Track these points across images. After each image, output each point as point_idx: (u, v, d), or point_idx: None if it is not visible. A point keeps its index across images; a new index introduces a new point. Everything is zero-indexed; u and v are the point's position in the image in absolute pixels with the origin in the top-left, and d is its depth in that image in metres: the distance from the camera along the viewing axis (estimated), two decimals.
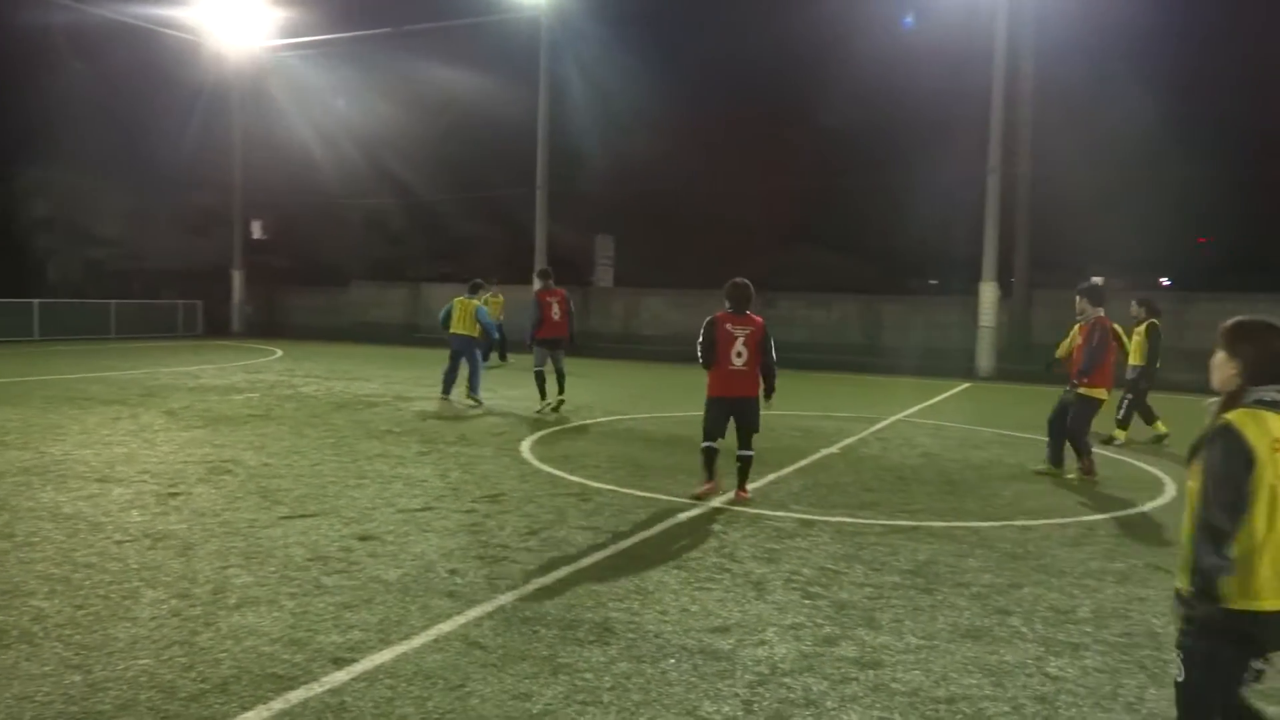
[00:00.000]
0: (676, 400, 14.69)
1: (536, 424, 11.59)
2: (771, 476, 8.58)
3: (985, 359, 21.44)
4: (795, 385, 18.03)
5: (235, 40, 31.25)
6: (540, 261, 28.01)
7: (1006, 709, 3.87)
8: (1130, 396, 11.36)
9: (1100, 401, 8.80)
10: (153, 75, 30.90)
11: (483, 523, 6.60)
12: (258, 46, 31.64)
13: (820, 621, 4.82)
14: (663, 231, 36.35)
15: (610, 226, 33.23)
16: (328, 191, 35.65)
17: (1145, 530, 6.94)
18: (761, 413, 7.59)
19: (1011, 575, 5.70)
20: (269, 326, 32.76)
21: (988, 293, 21.35)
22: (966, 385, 19.02)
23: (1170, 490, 8.46)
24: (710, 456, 7.55)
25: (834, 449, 10.27)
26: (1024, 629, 4.79)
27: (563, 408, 12.79)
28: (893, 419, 12.97)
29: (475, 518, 6.74)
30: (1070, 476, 8.86)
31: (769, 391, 7.57)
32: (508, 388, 15.64)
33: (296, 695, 3.79)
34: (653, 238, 35.05)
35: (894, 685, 4.07)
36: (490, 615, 4.75)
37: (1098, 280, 9.37)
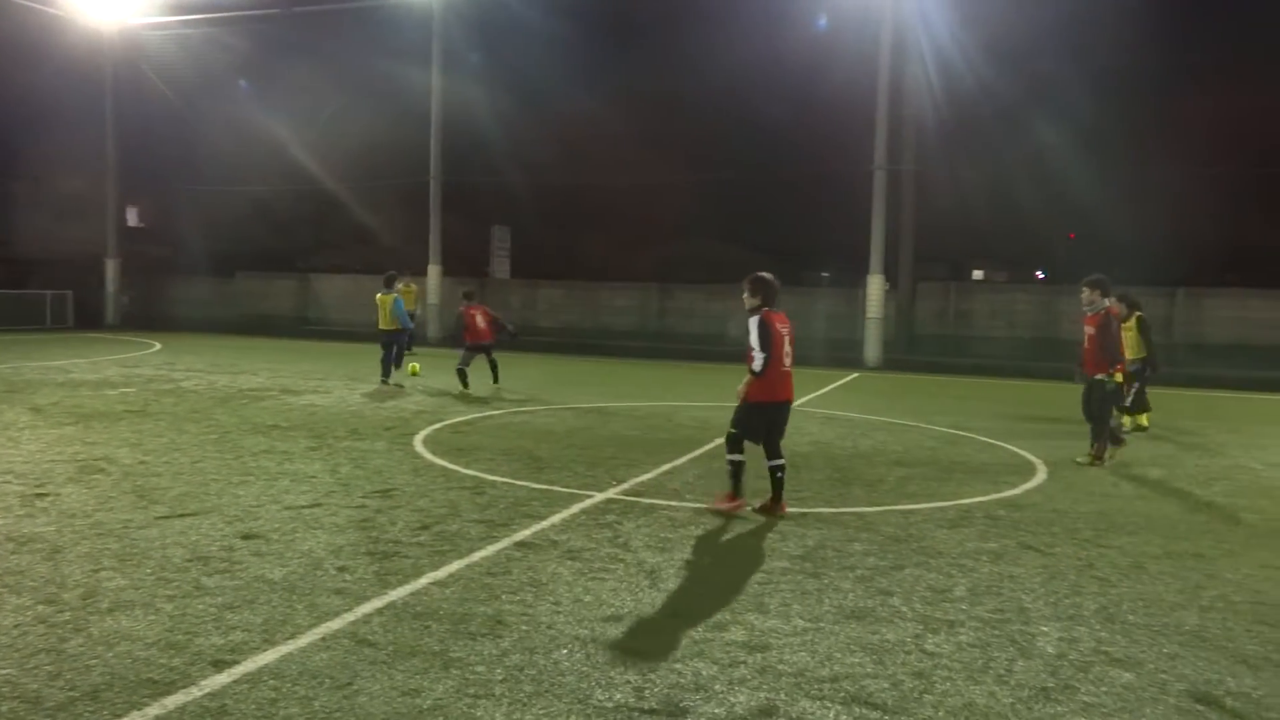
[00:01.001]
0: (572, 393, 14.71)
1: (431, 417, 11.42)
2: (666, 466, 8.68)
3: (873, 349, 22.15)
4: (693, 376, 18.27)
5: (108, 15, 29.62)
6: (435, 252, 27.56)
7: (886, 685, 4.03)
8: (1136, 385, 11.79)
9: (1121, 385, 9.52)
10: (18, 51, 29.04)
11: (373, 518, 6.48)
12: (133, 22, 30.07)
13: (711, 607, 4.91)
14: (559, 223, 36.25)
15: (508, 217, 32.94)
16: (211, 178, 34.21)
17: (1018, 512, 7.30)
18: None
19: (894, 558, 5.93)
20: (147, 318, 31.24)
21: (875, 285, 22.05)
22: (855, 375, 19.62)
23: (1041, 474, 8.92)
24: (742, 470, 6.96)
25: None
26: (904, 608, 5.00)
27: (454, 400, 12.73)
28: None
29: (366, 513, 6.61)
30: (1080, 460, 9.46)
31: None
32: (419, 378, 15.34)
33: (174, 700, 3.66)
34: (549, 229, 34.92)
35: (780, 666, 4.19)
36: (380, 612, 4.68)
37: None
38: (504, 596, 4.96)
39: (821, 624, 4.73)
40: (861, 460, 9.46)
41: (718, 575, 5.45)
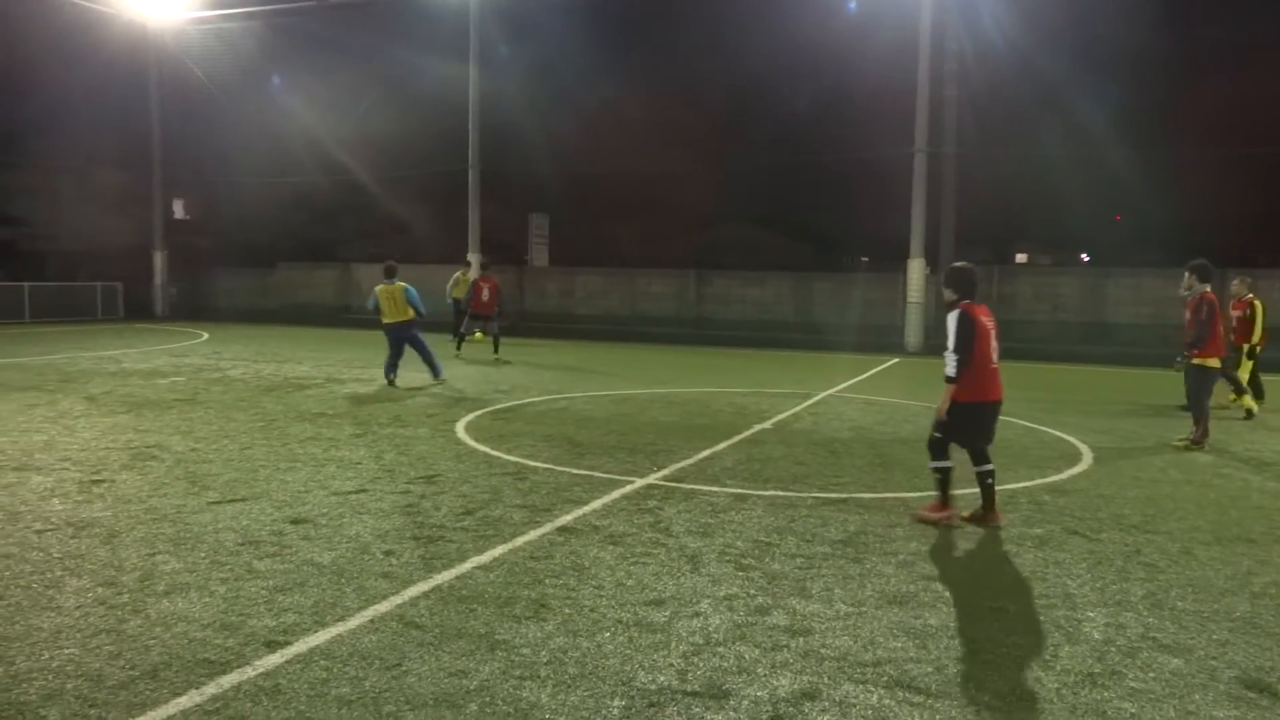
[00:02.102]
0: (611, 379, 14.76)
1: (472, 404, 11.53)
2: (706, 452, 8.70)
3: (914, 334, 21.93)
4: (730, 362, 18.25)
5: (151, 10, 30.12)
6: (474, 241, 27.75)
7: (930, 670, 4.03)
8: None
9: (1215, 370, 9.47)
10: (64, 47, 29.65)
11: (418, 503, 6.58)
12: (177, 17, 30.55)
13: (753, 592, 4.93)
14: (597, 210, 36.27)
15: (544, 205, 33.04)
16: (253, 170, 34.71)
17: (1063, 498, 7.22)
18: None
19: (936, 543, 5.90)
20: (193, 309, 31.85)
21: (915, 269, 21.81)
22: (896, 360, 19.45)
23: (1088, 459, 8.80)
24: (949, 476, 6.41)
25: (767, 424, 10.44)
26: (947, 593, 4.97)
27: (497, 389, 12.84)
28: (824, 394, 13.22)
29: (410, 499, 6.71)
30: (1178, 443, 9.51)
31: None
32: (455, 366, 15.50)
33: (229, 679, 3.76)
34: (587, 216, 34.97)
35: (823, 651, 4.20)
36: (426, 595, 4.76)
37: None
38: (547, 581, 5.02)
39: (864, 609, 4.73)
40: (903, 446, 9.40)
41: (759, 560, 5.47)
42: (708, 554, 5.56)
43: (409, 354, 13.42)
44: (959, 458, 6.47)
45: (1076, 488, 7.58)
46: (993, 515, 6.34)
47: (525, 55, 31.61)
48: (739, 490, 7.20)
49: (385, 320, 13.42)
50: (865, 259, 46.41)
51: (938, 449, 6.44)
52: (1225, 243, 29.95)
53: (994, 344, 6.28)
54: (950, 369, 6.17)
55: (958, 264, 6.50)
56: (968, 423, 6.30)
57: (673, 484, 7.37)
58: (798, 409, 11.75)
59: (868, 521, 6.37)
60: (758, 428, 10.21)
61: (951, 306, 6.25)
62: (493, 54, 28.87)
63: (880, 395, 13.35)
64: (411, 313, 13.32)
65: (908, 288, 22.11)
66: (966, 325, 6.10)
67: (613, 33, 33.61)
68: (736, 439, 9.48)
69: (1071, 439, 9.85)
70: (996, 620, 4.61)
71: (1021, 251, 52.00)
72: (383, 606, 4.58)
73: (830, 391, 13.58)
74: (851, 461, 8.49)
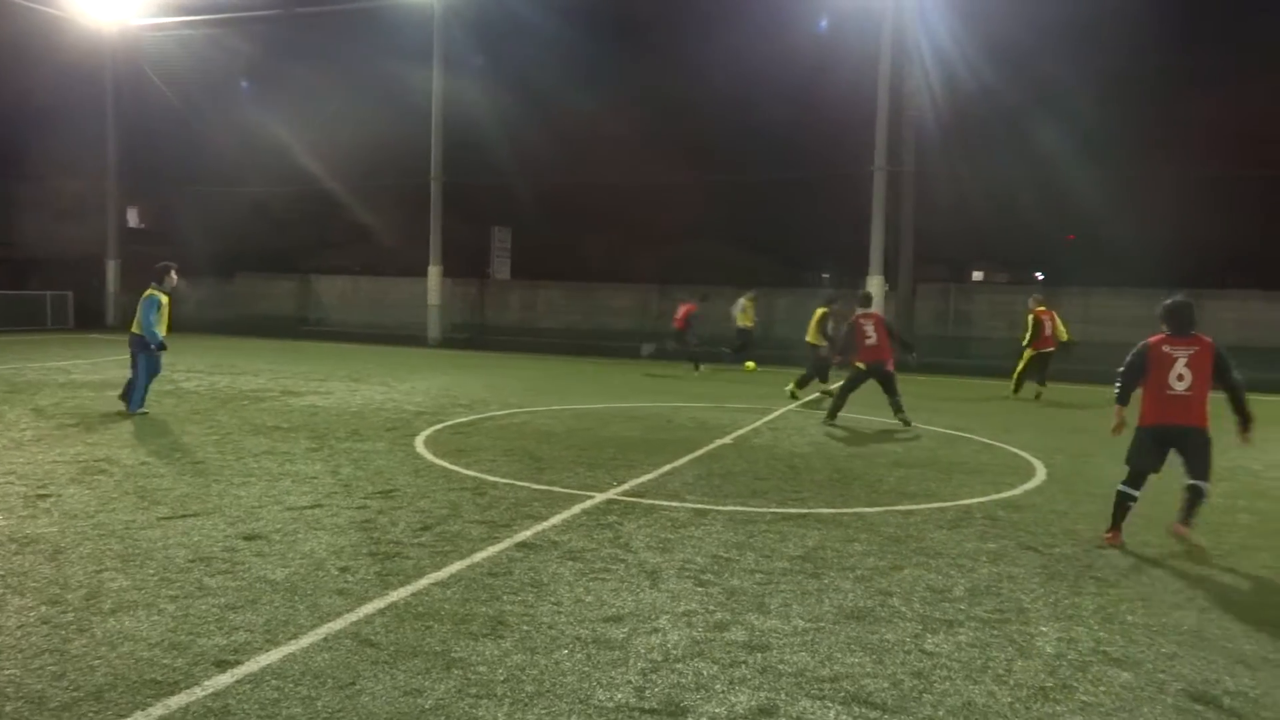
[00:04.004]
0: (572, 393, 14.73)
1: (432, 418, 11.44)
2: (666, 467, 8.70)
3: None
4: (691, 377, 18.27)
5: (108, 15, 29.64)
6: (435, 253, 27.58)
7: (886, 685, 4.05)
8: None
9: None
10: (18, 52, 29.07)
11: (375, 519, 6.50)
12: (134, 23, 30.08)
13: (712, 608, 4.93)
14: (561, 224, 36.26)
15: (508, 218, 32.96)
16: (211, 179, 34.22)
17: (1018, 513, 7.32)
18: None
19: (893, 558, 5.95)
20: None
21: (874, 286, 22.06)
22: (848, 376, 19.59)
23: (1041, 474, 8.93)
24: (1127, 503, 6.54)
25: (727, 439, 10.48)
26: (904, 608, 5.01)
27: (457, 402, 12.78)
28: (785, 409, 13.30)
29: (367, 514, 6.63)
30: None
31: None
32: (416, 379, 15.36)
33: (177, 700, 3.68)
34: (550, 230, 34.93)
35: (781, 666, 4.21)
36: (382, 612, 4.70)
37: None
38: (505, 597, 4.98)
39: (822, 624, 4.75)
40: (862, 460, 9.48)
41: (718, 576, 5.47)
42: (667, 570, 5.56)
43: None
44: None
45: (1031, 503, 7.69)
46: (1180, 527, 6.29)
47: (491, 66, 31.58)
48: (699, 505, 7.20)
49: (133, 330, 11.21)
50: (826, 275, 46.84)
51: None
52: (1180, 264, 30.66)
53: (1179, 371, 6.30)
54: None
55: (1173, 299, 6.55)
56: (1141, 444, 6.49)
57: (633, 499, 7.36)
58: (758, 424, 11.81)
59: (826, 537, 6.40)
60: (718, 443, 10.24)
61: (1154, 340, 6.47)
62: (458, 64, 28.79)
63: (841, 410, 13.43)
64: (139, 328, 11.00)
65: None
66: (1137, 357, 6.44)
67: (581, 46, 33.69)
68: (697, 454, 9.50)
69: (1026, 455, 10.00)
70: (951, 634, 4.65)
71: (979, 269, 52.82)
72: (337, 624, 4.51)
73: (791, 406, 13.66)
74: (811, 477, 8.54)
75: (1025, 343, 15.78)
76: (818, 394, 14.37)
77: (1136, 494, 6.46)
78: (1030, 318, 15.78)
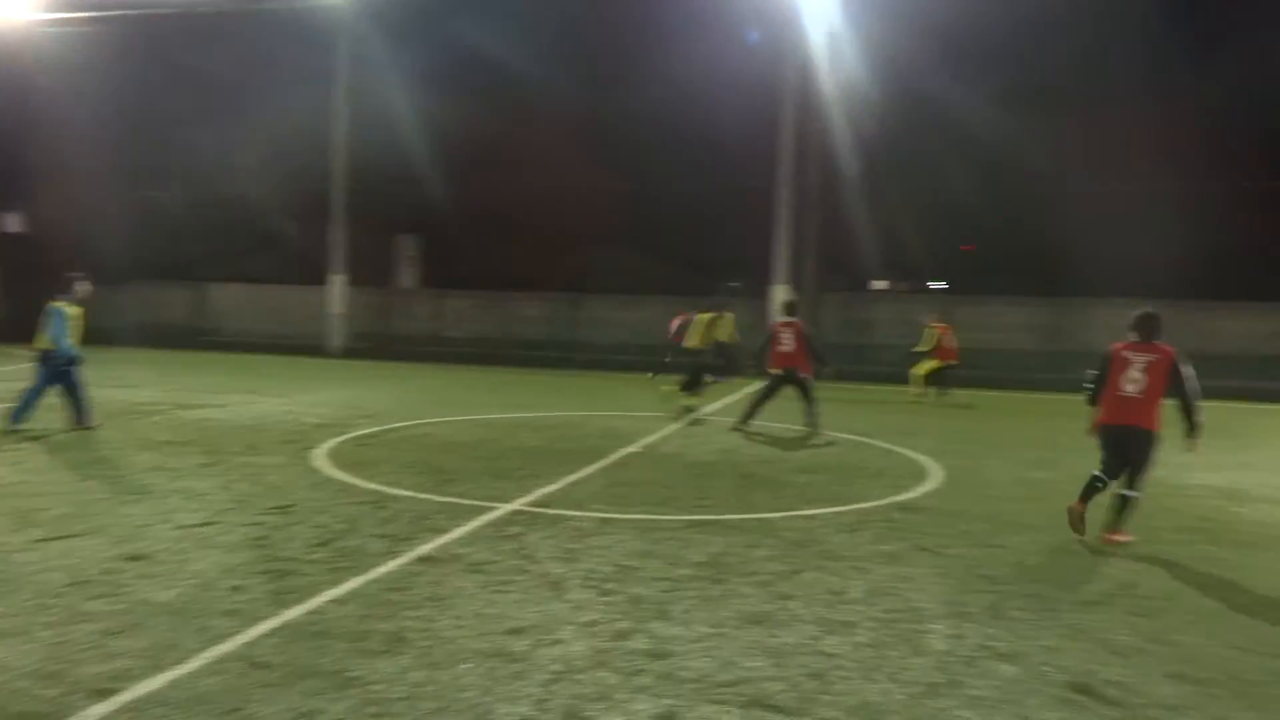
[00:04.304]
0: (479, 404, 14.57)
1: (333, 430, 11.15)
2: (573, 476, 8.67)
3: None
4: (603, 386, 18.30)
5: None
6: (337, 262, 26.96)
7: (785, 687, 4.11)
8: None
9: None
10: None
11: (270, 535, 6.30)
12: (11, 19, 28.58)
13: (615, 617, 4.93)
14: (472, 232, 35.83)
15: (415, 226, 32.45)
16: (101, 183, 32.70)
17: (915, 515, 7.53)
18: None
19: (795, 562, 6.05)
20: (29, 330, 29.67)
21: (780, 295, 22.46)
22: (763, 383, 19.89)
23: (937, 477, 9.22)
24: (1093, 491, 6.99)
25: (635, 448, 10.51)
26: (803, 611, 5.10)
27: (360, 414, 12.49)
28: (694, 417, 13.41)
29: (262, 530, 6.42)
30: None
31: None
32: (317, 391, 14.94)
33: None
34: (461, 238, 34.50)
35: (682, 673, 4.23)
36: (275, 632, 4.55)
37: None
38: (405, 613, 4.88)
39: (723, 629, 4.80)
40: (767, 466, 9.62)
41: (622, 584, 5.47)
42: (571, 580, 5.54)
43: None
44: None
45: (927, 505, 7.92)
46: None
47: (398, 70, 30.95)
48: (605, 514, 7.20)
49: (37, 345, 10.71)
50: (737, 284, 47.52)
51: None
52: (1071, 273, 32.10)
53: (1132, 375, 6.80)
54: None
55: (1144, 309, 7.06)
56: (1102, 443, 7.04)
57: (538, 509, 7.32)
58: (667, 432, 11.88)
59: (730, 543, 6.48)
60: (626, 451, 10.27)
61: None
62: (366, 68, 28.20)
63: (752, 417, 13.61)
64: (48, 343, 10.52)
65: (772, 313, 22.69)
66: (1102, 361, 6.99)
67: (491, 53, 33.33)
68: (604, 463, 9.50)
69: (924, 459, 10.31)
70: (849, 635, 4.76)
71: (881, 279, 54.31)
72: (226, 646, 4.35)
73: (698, 415, 13.79)
74: (717, 484, 8.63)
75: (922, 351, 16.82)
76: (686, 405, 13.52)
77: (1106, 480, 6.91)
78: (928, 331, 16.80)
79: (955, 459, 10.28)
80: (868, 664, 4.40)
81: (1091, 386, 7.09)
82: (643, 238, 41.42)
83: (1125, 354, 6.92)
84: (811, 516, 7.41)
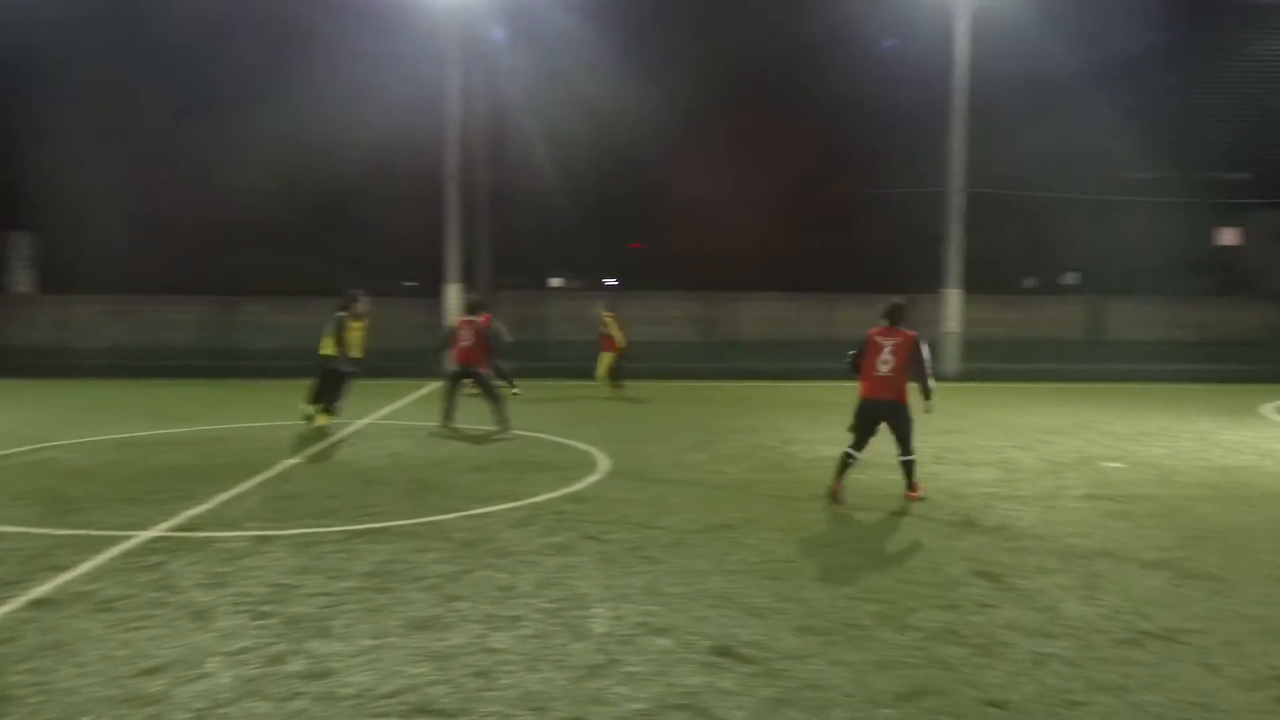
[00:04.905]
0: (115, 421, 13.02)
1: None
2: (227, 494, 8.02)
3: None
4: (262, 395, 17.04)
5: None
6: None
7: (449, 690, 4.10)
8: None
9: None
10: None
11: None
12: None
13: (269, 640, 4.64)
14: (99, 231, 31.86)
15: (27, 223, 28.28)
16: None
17: (582, 505, 7.81)
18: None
19: (465, 562, 6.04)
20: None
21: (452, 294, 22.31)
22: (437, 384, 19.64)
23: (605, 466, 9.63)
24: (846, 461, 8.09)
25: (298, 458, 9.94)
26: (471, 611, 5.11)
27: None
28: (363, 423, 12.93)
29: None
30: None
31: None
32: None
33: None
34: (84, 237, 30.52)
35: (342, 691, 4.07)
36: None
37: None
38: (11, 668, 4.25)
39: (388, 639, 4.68)
40: (438, 468, 9.52)
41: (279, 605, 5.15)
42: (220, 606, 5.12)
43: None
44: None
45: (594, 495, 8.26)
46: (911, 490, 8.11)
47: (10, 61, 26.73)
48: (261, 532, 6.74)
49: None
50: (412, 283, 46.48)
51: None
52: (728, 272, 34.95)
53: (884, 357, 7.86)
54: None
55: (892, 298, 8.09)
56: (858, 416, 8.07)
57: (184, 534, 6.69)
58: (333, 439, 11.35)
59: (398, 549, 6.33)
60: (288, 462, 9.68)
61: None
62: None
63: (420, 420, 13.38)
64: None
65: (446, 313, 22.49)
66: (861, 342, 7.99)
67: (136, 32, 29.66)
68: (263, 477, 8.89)
69: (593, 449, 10.73)
70: (515, 629, 4.84)
71: (558, 276, 55.77)
72: None
73: (369, 420, 13.32)
74: (386, 490, 8.39)
75: (622, 343, 16.99)
76: (311, 416, 12.26)
77: (857, 454, 8.01)
78: (611, 319, 17.00)
79: (621, 447, 10.81)
80: (533, 655, 4.50)
81: (850, 361, 8.13)
82: (309, 237, 39.23)
83: (878, 339, 7.96)
84: (484, 515, 7.44)
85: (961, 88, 21.12)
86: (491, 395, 12.29)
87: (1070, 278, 43.24)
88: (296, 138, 32.04)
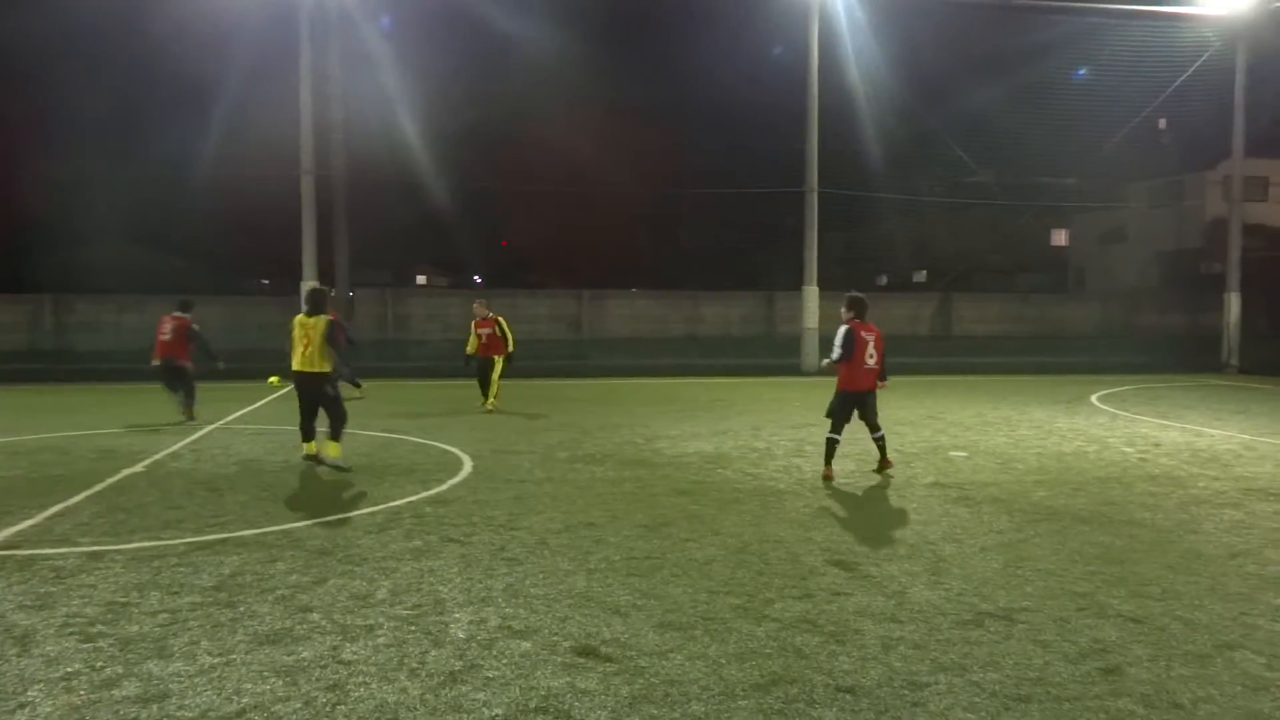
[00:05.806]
0: None
1: None
2: (56, 508, 7.47)
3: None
4: (98, 400, 15.94)
5: None
6: None
7: (299, 705, 3.93)
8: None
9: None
10: None
11: None
12: None
13: (101, 664, 4.33)
14: None
15: None
16: None
17: (443, 508, 7.65)
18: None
19: (318, 571, 5.81)
20: None
21: (308, 290, 21.53)
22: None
23: (468, 468, 9.47)
24: (833, 447, 9.02)
25: (139, 467, 9.35)
26: (324, 622, 4.92)
27: None
28: (210, 428, 12.29)
29: None
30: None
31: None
32: None
33: None
34: None
35: (180, 713, 3.84)
36: None
37: None
38: None
39: (233, 656, 4.45)
40: (293, 473, 9.14)
41: (112, 626, 4.82)
42: (44, 630, 4.75)
43: None
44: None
45: (456, 496, 8.10)
46: (887, 463, 9.14)
47: None
48: (94, 548, 6.30)
49: None
50: (266, 281, 44.54)
51: (831, 425, 9.00)
52: (595, 270, 35.05)
53: (870, 351, 8.72)
54: (834, 355, 8.74)
55: (855, 293, 8.94)
56: (848, 405, 8.90)
57: (5, 553, 6.17)
58: (177, 446, 10.74)
59: (246, 560, 6.03)
60: (127, 472, 9.09)
61: (847, 323, 8.75)
62: None
63: (273, 424, 12.82)
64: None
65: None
66: (849, 337, 8.66)
67: None
68: (99, 488, 8.32)
69: (456, 450, 10.54)
70: (370, 639, 4.68)
71: (421, 273, 54.56)
72: None
73: (217, 424, 12.67)
74: (235, 498, 7.99)
75: (512, 347, 14.87)
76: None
77: (839, 438, 8.92)
78: (502, 321, 14.90)
79: (486, 448, 10.66)
80: (388, 665, 4.37)
81: (842, 351, 8.68)
82: (151, 231, 37.04)
83: (863, 334, 8.70)
84: (340, 521, 7.19)
85: (813, 94, 21.84)
86: (186, 388, 12.90)
87: (919, 275, 45.51)
88: (136, 126, 30.15)
